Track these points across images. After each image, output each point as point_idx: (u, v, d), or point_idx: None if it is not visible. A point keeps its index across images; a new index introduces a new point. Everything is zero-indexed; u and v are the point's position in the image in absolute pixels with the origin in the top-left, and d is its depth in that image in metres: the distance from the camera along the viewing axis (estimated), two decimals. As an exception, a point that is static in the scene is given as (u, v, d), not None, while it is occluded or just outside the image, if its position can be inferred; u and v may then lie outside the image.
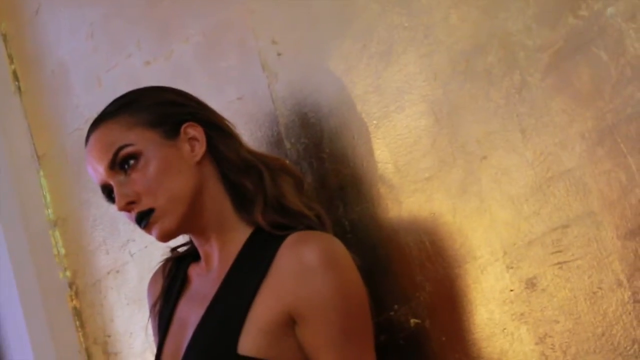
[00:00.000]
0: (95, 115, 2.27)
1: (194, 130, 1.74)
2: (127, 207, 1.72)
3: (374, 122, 1.79)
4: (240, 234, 1.74)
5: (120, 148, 1.71)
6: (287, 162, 1.83)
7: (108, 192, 1.76)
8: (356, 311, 1.64)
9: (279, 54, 1.94)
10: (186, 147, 1.73)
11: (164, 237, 1.74)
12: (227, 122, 1.80)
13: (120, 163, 1.72)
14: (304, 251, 1.63)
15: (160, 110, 1.75)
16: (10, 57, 2.58)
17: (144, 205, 1.70)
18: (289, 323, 1.63)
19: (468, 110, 1.65)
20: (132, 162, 1.71)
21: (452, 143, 1.67)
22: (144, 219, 1.71)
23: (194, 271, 1.83)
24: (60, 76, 2.46)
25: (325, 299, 1.61)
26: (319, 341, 1.61)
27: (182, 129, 1.74)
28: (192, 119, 1.75)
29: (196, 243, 1.80)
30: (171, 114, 1.74)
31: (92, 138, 1.76)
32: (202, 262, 1.80)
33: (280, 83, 1.94)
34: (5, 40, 2.58)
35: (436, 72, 1.69)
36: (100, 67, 2.35)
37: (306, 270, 1.61)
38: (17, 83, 2.57)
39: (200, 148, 1.74)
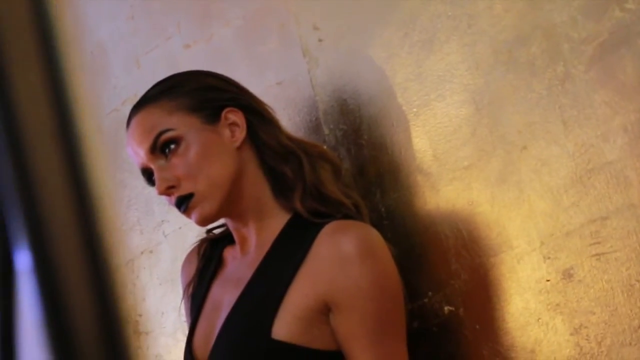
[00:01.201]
0: (133, 97, 2.29)
1: (234, 116, 1.75)
2: (167, 192, 1.73)
3: (414, 110, 1.80)
4: (278, 219, 1.75)
5: (161, 132, 1.73)
6: (326, 149, 1.85)
7: (148, 175, 1.77)
8: (391, 302, 1.65)
9: (320, 40, 1.95)
10: (226, 132, 1.74)
11: (203, 222, 1.75)
12: (267, 108, 1.81)
13: (161, 147, 1.73)
14: (342, 240, 1.64)
15: (201, 95, 1.76)
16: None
17: (183, 189, 1.72)
18: (324, 310, 1.64)
19: (509, 100, 1.66)
20: (172, 146, 1.72)
21: (492, 132, 1.68)
22: (183, 203, 1.72)
23: (229, 254, 1.84)
24: (99, 57, 2.48)
25: (362, 289, 1.62)
26: (353, 330, 1.63)
27: (222, 114, 1.75)
28: (232, 104, 1.76)
29: (233, 227, 1.81)
30: (212, 99, 1.76)
31: (133, 121, 1.78)
32: (238, 246, 1.82)
33: (320, 69, 1.95)
34: (44, 20, 2.60)
35: (478, 62, 1.70)
36: (140, 49, 2.36)
37: (344, 260, 1.62)
38: (55, 63, 2.58)
39: (241, 133, 1.75)
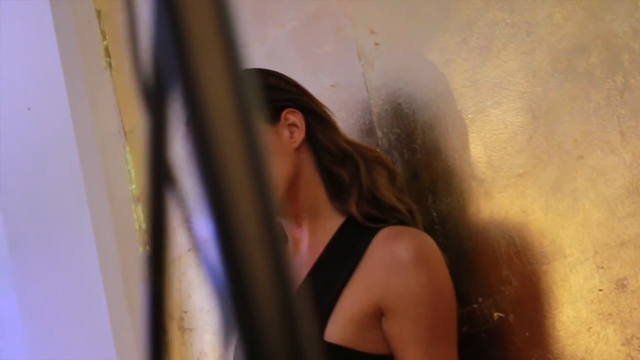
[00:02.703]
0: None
1: (294, 117, 1.76)
2: None
3: (470, 116, 1.81)
4: (332, 222, 1.76)
5: None
6: (382, 153, 1.85)
7: None
8: (444, 308, 1.66)
9: (376, 44, 1.96)
10: (286, 132, 1.75)
11: None
12: (326, 110, 1.82)
13: None
14: (398, 246, 1.65)
15: (262, 94, 1.77)
16: (103, 33, 2.62)
17: None
18: (377, 315, 1.65)
19: (567, 109, 1.66)
20: None
21: (548, 141, 1.69)
22: None
23: None
24: (152, 54, 2.49)
25: (416, 295, 1.63)
26: (406, 335, 1.63)
27: (282, 115, 1.76)
28: (292, 104, 1.77)
29: (286, 227, 1.82)
30: (273, 99, 1.76)
31: None
32: (290, 246, 1.83)
33: (375, 72, 1.96)
34: (99, 16, 2.63)
35: (536, 70, 1.71)
36: (193, 48, 2.38)
37: (398, 266, 1.63)
38: (108, 59, 2.61)
39: (299, 135, 1.76)
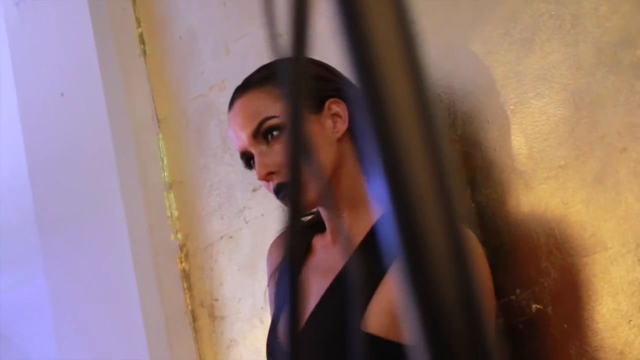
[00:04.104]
0: (220, 83, 2.31)
1: (337, 107, 1.76)
2: (267, 177, 1.74)
3: (511, 107, 1.81)
4: (372, 212, 1.76)
5: (266, 119, 1.75)
6: None
7: (247, 158, 1.79)
8: (484, 299, 1.67)
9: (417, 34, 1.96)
10: (329, 122, 1.76)
11: (305, 208, 1.76)
12: None
13: (264, 133, 1.75)
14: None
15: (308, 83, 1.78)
16: (137, 20, 2.63)
17: (284, 177, 1.74)
18: None
19: (610, 101, 1.66)
20: (275, 133, 1.74)
21: (591, 133, 1.69)
22: (282, 190, 1.74)
23: (319, 243, 1.85)
24: (187, 42, 2.50)
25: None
26: None
27: (326, 105, 1.76)
28: (336, 95, 1.77)
29: (325, 216, 1.82)
30: (317, 89, 1.76)
31: (237, 104, 1.80)
32: (328, 235, 1.83)
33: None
34: (134, 3, 2.63)
35: (580, 62, 1.71)
36: (230, 36, 2.39)
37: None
38: (142, 46, 2.61)
39: (343, 125, 1.76)
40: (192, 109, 2.49)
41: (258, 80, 1.79)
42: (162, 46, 2.57)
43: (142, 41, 2.62)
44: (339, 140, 1.76)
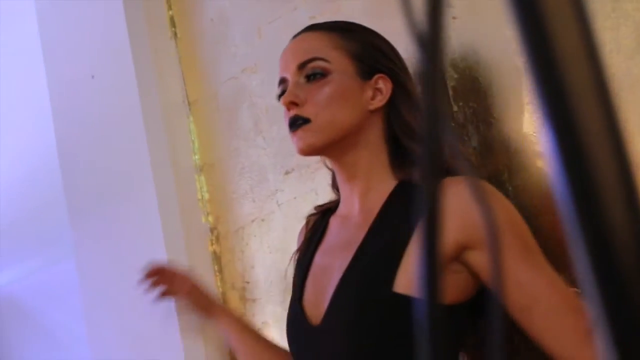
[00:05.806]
0: (252, 66, 2.31)
1: (383, 83, 1.81)
2: (289, 105, 1.80)
3: (549, 90, 1.80)
4: (385, 185, 1.79)
5: (317, 58, 1.80)
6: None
7: (283, 87, 1.83)
8: (525, 226, 1.66)
9: (453, 17, 1.96)
10: (369, 92, 1.80)
11: (305, 149, 1.79)
12: (419, 92, 1.83)
13: (309, 71, 1.79)
14: (463, 187, 1.63)
15: (369, 50, 1.82)
16: (168, 3, 2.63)
17: (304, 112, 1.78)
18: (455, 256, 1.64)
19: (651, 85, 1.66)
20: (319, 76, 1.79)
21: (633, 116, 1.68)
22: (296, 123, 1.77)
23: (334, 221, 1.88)
24: (219, 25, 2.50)
25: (500, 219, 1.62)
26: (505, 257, 1.61)
27: (375, 77, 1.80)
28: (388, 72, 1.81)
29: (340, 179, 1.84)
30: (375, 59, 1.82)
31: (302, 35, 1.86)
32: (342, 208, 1.85)
33: (452, 46, 1.95)
34: (165, -14, 2.63)
35: (620, 46, 1.70)
36: (263, 19, 2.39)
37: (470, 202, 1.62)
38: (173, 29, 2.62)
39: (380, 101, 1.80)
40: (223, 92, 2.49)
41: (330, 26, 1.86)
42: (193, 29, 2.57)
43: (173, 24, 2.62)
44: (372, 112, 1.79)
